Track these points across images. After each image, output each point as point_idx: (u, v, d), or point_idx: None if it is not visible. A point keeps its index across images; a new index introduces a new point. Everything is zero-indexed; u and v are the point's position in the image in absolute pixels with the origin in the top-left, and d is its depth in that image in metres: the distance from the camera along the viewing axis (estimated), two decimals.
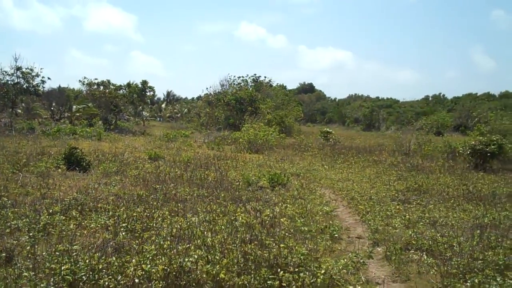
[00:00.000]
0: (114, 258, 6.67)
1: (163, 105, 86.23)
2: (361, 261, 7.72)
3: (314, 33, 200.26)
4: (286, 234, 8.82)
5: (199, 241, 7.78)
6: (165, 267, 6.38)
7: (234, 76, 52.46)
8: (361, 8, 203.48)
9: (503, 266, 7.18)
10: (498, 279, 6.51)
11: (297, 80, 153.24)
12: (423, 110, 78.27)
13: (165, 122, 73.95)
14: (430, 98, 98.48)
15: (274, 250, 7.32)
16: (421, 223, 10.44)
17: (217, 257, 6.90)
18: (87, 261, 6.44)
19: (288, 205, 11.67)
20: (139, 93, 56.20)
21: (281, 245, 7.50)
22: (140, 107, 60.96)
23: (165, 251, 6.98)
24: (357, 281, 6.88)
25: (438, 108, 79.48)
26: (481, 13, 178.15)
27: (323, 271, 6.63)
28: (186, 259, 6.59)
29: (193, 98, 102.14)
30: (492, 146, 21.06)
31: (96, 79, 48.79)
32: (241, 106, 45.29)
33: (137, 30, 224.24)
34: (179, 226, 8.81)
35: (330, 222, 10.39)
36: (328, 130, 38.79)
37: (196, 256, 6.74)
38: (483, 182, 16.70)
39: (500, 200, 13.16)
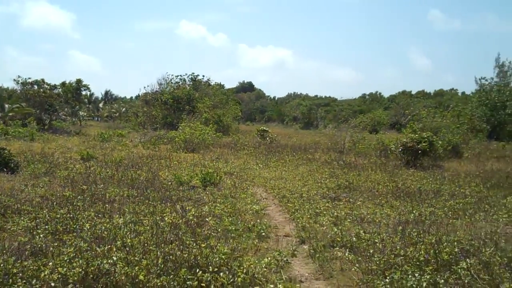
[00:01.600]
0: (30, 262, 6.49)
1: (101, 105, 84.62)
2: (285, 259, 7.78)
3: (254, 31, 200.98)
4: (212, 233, 8.80)
5: (119, 242, 7.65)
6: (82, 270, 6.25)
7: (172, 75, 51.96)
8: (301, 7, 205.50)
9: (423, 261, 7.32)
10: (416, 275, 6.65)
11: (238, 79, 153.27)
12: (360, 108, 79.53)
13: (103, 121, 72.64)
14: (367, 97, 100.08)
15: (195, 250, 7.28)
16: (349, 220, 10.58)
17: (137, 258, 6.81)
18: (1, 265, 6.24)
19: (218, 204, 11.64)
20: (74, 92, 55.04)
21: (203, 245, 7.46)
22: (77, 106, 59.69)
23: (83, 253, 6.83)
24: (279, 279, 6.89)
25: (375, 106, 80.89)
26: (418, 13, 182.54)
27: (244, 271, 6.63)
28: (105, 261, 6.48)
29: (131, 98, 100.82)
30: (423, 144, 21.54)
31: (29, 78, 47.51)
32: (179, 105, 44.95)
33: (75, 28, 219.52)
34: (103, 228, 8.66)
35: (258, 221, 10.39)
36: (264, 128, 38.85)
37: (115, 258, 6.63)
38: (412, 178, 17.08)
39: (428, 196, 13.46)
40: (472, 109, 43.04)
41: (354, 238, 8.82)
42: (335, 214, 11.01)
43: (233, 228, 9.33)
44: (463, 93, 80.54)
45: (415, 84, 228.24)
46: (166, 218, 9.68)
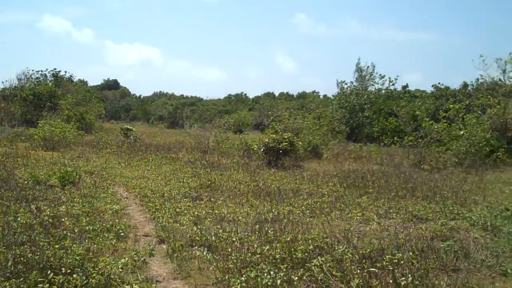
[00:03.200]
0: None
1: None
2: (143, 259, 7.62)
3: (121, 28, 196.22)
4: (69, 234, 8.45)
5: None
6: None
7: (33, 70, 49.75)
8: (168, 5, 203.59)
9: (279, 259, 7.44)
10: (272, 273, 6.74)
11: (104, 76, 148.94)
12: (226, 108, 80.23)
13: None
14: (232, 97, 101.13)
15: (48, 251, 6.94)
16: (209, 219, 10.57)
17: None
18: None
19: (75, 204, 11.23)
20: None
21: (56, 246, 7.14)
22: None
23: None
24: (135, 280, 6.72)
25: (240, 107, 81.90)
26: (284, 16, 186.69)
27: (99, 272, 6.42)
28: None
29: None
30: (284, 144, 22.05)
31: None
32: (40, 101, 43.24)
33: None
34: None
35: (117, 220, 10.12)
36: (128, 127, 38.18)
37: None
38: (273, 178, 17.42)
39: (287, 196, 13.76)
40: (332, 112, 44.86)
41: (213, 237, 8.82)
42: (196, 213, 10.97)
43: (91, 228, 9.02)
44: (324, 95, 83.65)
45: (280, 85, 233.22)
46: (19, 219, 9.18)
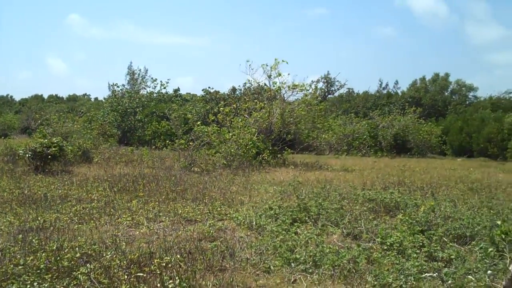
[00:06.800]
0: None
1: None
2: None
3: None
4: None
5: None
6: None
7: None
8: None
9: (44, 269, 7.14)
10: (35, 284, 6.46)
11: None
12: None
13: None
14: None
15: None
16: None
17: None
18: None
19: None
20: None
21: None
22: None
23: None
24: None
25: (5, 109, 77.20)
26: (57, 16, 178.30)
27: None
28: None
29: None
30: (53, 149, 21.15)
31: None
32: None
33: None
34: None
35: None
36: None
37: None
38: (40, 184, 16.57)
39: (55, 202, 13.21)
40: (104, 115, 44.16)
41: None
42: None
43: None
44: (96, 98, 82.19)
45: (50, 88, 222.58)
46: None
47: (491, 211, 12.33)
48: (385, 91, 74.51)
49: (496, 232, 8.22)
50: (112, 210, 12.27)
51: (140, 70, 48.73)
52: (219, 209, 12.50)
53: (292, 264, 7.99)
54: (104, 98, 57.29)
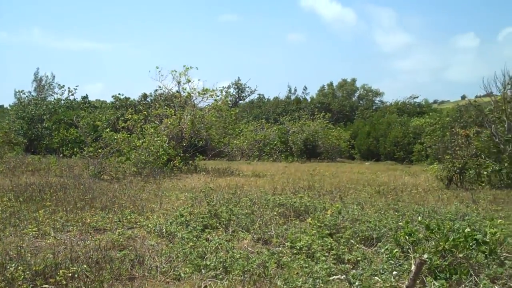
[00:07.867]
0: None
1: None
2: None
3: None
4: None
5: None
6: None
7: None
8: None
9: None
10: None
11: None
12: None
13: None
14: None
15: None
16: None
17: None
18: None
19: None
20: None
21: None
22: None
23: None
24: None
25: None
26: None
27: None
28: None
29: None
30: None
31: None
32: None
33: None
34: None
35: None
36: None
37: None
38: None
39: None
40: (10, 123, 42.74)
41: None
42: None
43: None
44: (1, 106, 79.30)
45: None
46: None
47: (397, 213, 12.85)
48: (293, 97, 75.94)
49: (401, 233, 8.65)
50: (17, 220, 11.89)
51: (47, 76, 47.45)
52: (129, 217, 12.36)
53: (203, 270, 8.05)
54: (10, 106, 55.35)
